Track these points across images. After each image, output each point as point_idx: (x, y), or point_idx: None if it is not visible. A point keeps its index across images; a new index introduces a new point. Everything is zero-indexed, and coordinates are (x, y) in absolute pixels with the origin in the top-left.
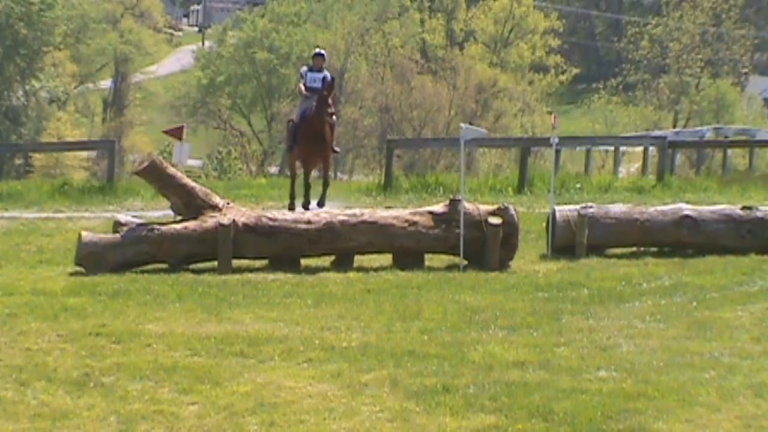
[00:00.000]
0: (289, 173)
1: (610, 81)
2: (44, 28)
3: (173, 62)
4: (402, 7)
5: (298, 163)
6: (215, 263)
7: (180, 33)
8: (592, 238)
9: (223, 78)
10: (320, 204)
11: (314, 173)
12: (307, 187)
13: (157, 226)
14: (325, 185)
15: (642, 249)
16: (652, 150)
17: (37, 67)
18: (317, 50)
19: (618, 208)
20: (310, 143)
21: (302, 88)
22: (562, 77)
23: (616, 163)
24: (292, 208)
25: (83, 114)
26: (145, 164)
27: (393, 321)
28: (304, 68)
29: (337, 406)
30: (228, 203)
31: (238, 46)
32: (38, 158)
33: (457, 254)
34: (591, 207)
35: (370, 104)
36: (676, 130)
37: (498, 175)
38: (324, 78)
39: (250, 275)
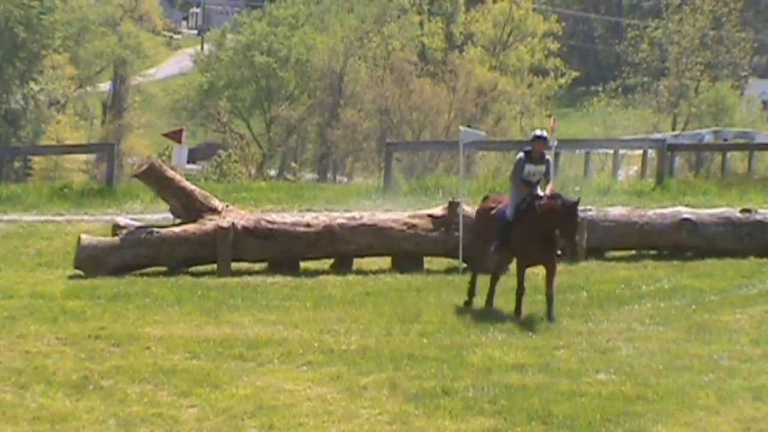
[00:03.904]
0: (476, 268)
1: (609, 84)
2: (44, 32)
3: (172, 65)
4: (401, 10)
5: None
6: (214, 266)
7: (179, 36)
8: (591, 241)
9: (223, 81)
10: (551, 318)
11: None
12: (521, 292)
13: (157, 229)
14: (549, 298)
15: (641, 252)
16: (651, 153)
17: (36, 70)
18: (537, 132)
19: (617, 211)
20: (536, 244)
21: (519, 184)
22: (562, 80)
23: (615, 166)
24: (469, 303)
25: (82, 117)
26: (144, 167)
27: (392, 324)
28: (521, 156)
29: (336, 409)
30: (227, 206)
31: (237, 50)
32: (37, 161)
33: (456, 257)
34: (590, 210)
35: (370, 107)
36: (676, 133)
37: (497, 177)
38: (547, 171)
39: (249, 278)
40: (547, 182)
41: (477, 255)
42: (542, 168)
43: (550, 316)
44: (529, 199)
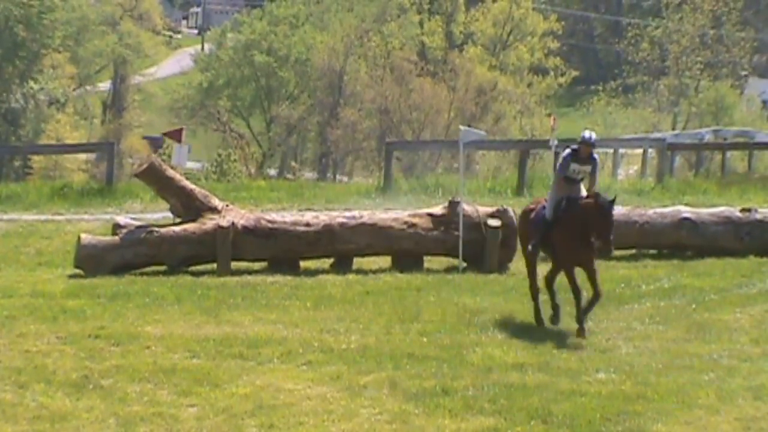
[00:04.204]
0: (528, 272)
1: (609, 83)
2: (43, 31)
3: (172, 64)
4: (401, 9)
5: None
6: (214, 265)
7: (179, 35)
8: None
9: (222, 80)
10: (582, 319)
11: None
12: (578, 292)
13: (156, 229)
14: (596, 297)
15: (641, 251)
16: (651, 152)
17: (36, 69)
18: (585, 134)
19: (617, 210)
20: (575, 246)
21: (561, 180)
22: (561, 79)
23: (615, 165)
24: (539, 318)
25: (82, 116)
26: (144, 166)
27: (392, 323)
28: (567, 152)
29: (336, 408)
30: (227, 205)
31: (237, 49)
32: (37, 160)
33: (456, 256)
34: None
35: (369, 106)
36: (676, 132)
37: (497, 177)
38: (593, 170)
39: (249, 277)
40: (593, 183)
41: (526, 258)
42: (588, 168)
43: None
44: (568, 200)
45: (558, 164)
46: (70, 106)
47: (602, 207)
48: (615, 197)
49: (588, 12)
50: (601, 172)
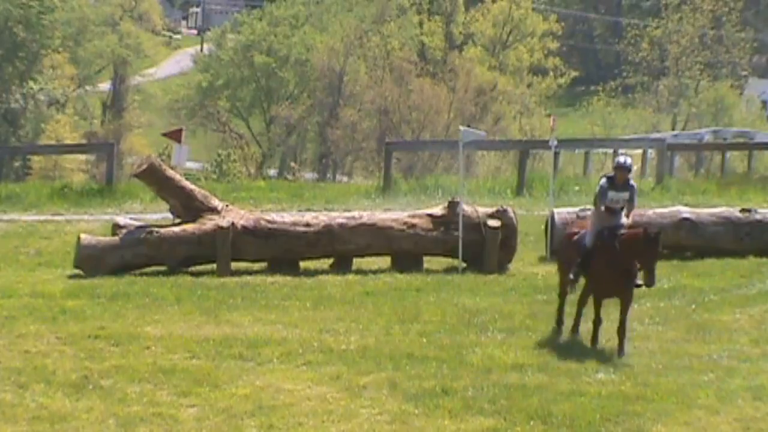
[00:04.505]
0: (559, 292)
1: (608, 83)
2: (43, 31)
3: (172, 65)
4: (400, 9)
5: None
6: (214, 266)
7: (179, 36)
8: None
9: (222, 81)
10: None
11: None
12: (599, 322)
13: (156, 229)
14: (622, 327)
15: None
16: (651, 152)
17: (35, 69)
18: (620, 160)
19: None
20: (613, 276)
21: (601, 210)
22: (561, 80)
23: None
24: (559, 331)
25: (82, 116)
26: (144, 167)
27: (392, 324)
28: (604, 181)
29: (335, 409)
30: (227, 206)
31: (237, 49)
32: (37, 161)
33: (455, 257)
34: (590, 210)
35: (369, 106)
36: (675, 132)
37: (497, 177)
38: (631, 197)
39: (249, 278)
40: (632, 209)
41: (563, 282)
42: (625, 195)
43: (620, 352)
44: (609, 230)
45: (596, 194)
46: (69, 107)
47: (649, 238)
48: (660, 231)
49: (588, 12)
50: (601, 172)
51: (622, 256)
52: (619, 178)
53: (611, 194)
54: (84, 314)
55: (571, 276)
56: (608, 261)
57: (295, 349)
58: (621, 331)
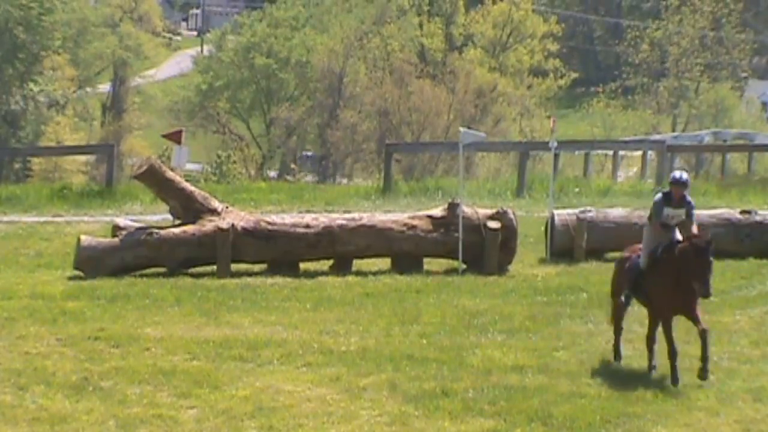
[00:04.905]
0: (612, 316)
1: (608, 85)
2: (43, 33)
3: (172, 66)
4: (400, 11)
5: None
6: (214, 267)
7: (179, 37)
8: (590, 242)
9: (222, 82)
10: (703, 375)
11: None
12: (674, 354)
13: (156, 230)
14: (703, 334)
15: None
16: (651, 154)
17: (36, 71)
18: (676, 175)
19: (617, 212)
20: (673, 294)
21: (657, 226)
22: (561, 81)
23: (615, 167)
24: (617, 352)
25: (82, 118)
26: (144, 168)
27: (392, 325)
28: (659, 197)
29: (335, 410)
30: (227, 207)
31: (237, 51)
32: (37, 162)
33: (455, 258)
34: (590, 211)
35: (369, 108)
36: (675, 134)
37: (497, 179)
38: (689, 214)
39: (249, 279)
40: (689, 227)
41: (616, 312)
42: (681, 212)
43: (703, 375)
44: (664, 247)
45: (650, 210)
46: (69, 108)
47: (699, 248)
48: (712, 239)
49: (588, 14)
50: (601, 174)
51: (679, 271)
52: (675, 194)
53: (667, 211)
54: (84, 316)
55: (622, 298)
56: (664, 278)
57: (295, 351)
58: (703, 355)
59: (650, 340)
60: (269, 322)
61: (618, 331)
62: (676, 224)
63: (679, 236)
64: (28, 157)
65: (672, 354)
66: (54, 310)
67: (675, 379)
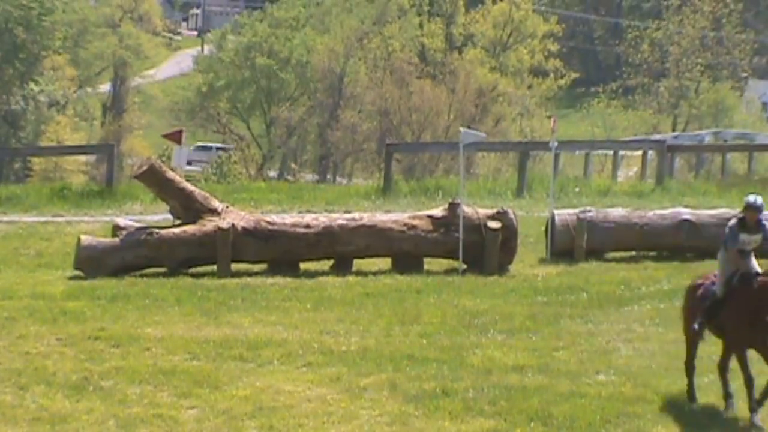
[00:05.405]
0: (687, 349)
1: (609, 85)
2: (43, 33)
3: (172, 66)
4: (401, 11)
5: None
6: (214, 267)
7: (179, 37)
8: (591, 242)
9: (223, 82)
10: (755, 408)
11: None
12: (750, 381)
13: (156, 230)
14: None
15: (641, 253)
16: (651, 154)
17: (36, 71)
18: (750, 199)
19: (617, 212)
20: (750, 325)
21: (733, 253)
22: (561, 81)
23: (615, 167)
24: (691, 397)
25: (82, 118)
26: (144, 168)
27: (392, 325)
28: (733, 222)
29: (335, 410)
30: (227, 207)
31: (238, 51)
32: (37, 162)
33: (456, 258)
34: (590, 211)
35: (369, 108)
36: (676, 134)
37: (497, 178)
38: (765, 238)
39: (249, 279)
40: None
41: (691, 346)
42: (758, 237)
43: (754, 425)
44: (741, 276)
45: (725, 237)
46: (70, 108)
47: None
48: None
49: (588, 14)
50: (601, 174)
51: (759, 302)
52: (750, 218)
53: (743, 237)
54: (84, 315)
55: (695, 326)
56: (740, 310)
57: (295, 351)
58: (763, 397)
59: (723, 369)
60: (269, 322)
61: (691, 370)
62: (751, 249)
63: (757, 267)
64: (28, 157)
65: (748, 382)
66: (54, 310)
67: (753, 408)
